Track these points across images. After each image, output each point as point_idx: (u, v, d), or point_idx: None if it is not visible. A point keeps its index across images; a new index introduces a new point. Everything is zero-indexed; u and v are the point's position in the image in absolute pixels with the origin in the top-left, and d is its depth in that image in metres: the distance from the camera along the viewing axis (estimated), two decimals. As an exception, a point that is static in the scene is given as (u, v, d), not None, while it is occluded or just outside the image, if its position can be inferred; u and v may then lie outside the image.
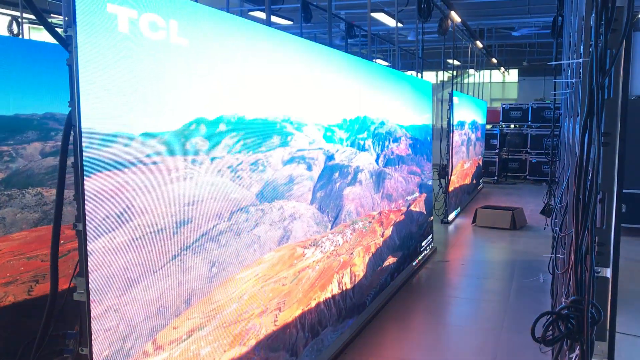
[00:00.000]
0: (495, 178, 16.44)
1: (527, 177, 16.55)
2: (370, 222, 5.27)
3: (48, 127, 4.11)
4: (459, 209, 11.18)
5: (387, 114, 5.80)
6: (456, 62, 16.10)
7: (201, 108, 2.58)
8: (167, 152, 2.32)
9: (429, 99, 7.81)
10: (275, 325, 3.41)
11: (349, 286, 4.68)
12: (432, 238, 8.04)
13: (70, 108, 1.93)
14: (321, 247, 4.09)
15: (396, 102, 6.27)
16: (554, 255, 4.61)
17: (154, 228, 2.23)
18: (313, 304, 3.98)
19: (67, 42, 1.90)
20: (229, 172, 2.84)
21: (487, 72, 20.98)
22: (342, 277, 4.53)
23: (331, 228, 4.29)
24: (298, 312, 3.73)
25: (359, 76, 5.03)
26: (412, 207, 6.79)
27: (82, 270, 1.95)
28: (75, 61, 1.90)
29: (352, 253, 4.76)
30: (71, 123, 1.94)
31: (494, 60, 17.61)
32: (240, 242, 2.95)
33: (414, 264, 6.99)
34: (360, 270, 4.96)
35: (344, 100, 4.61)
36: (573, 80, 3.92)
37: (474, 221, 10.01)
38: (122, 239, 2.08)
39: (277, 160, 3.40)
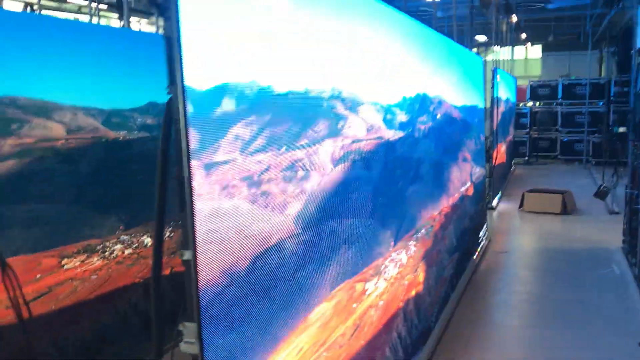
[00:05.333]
0: (526, 158, 14.67)
1: (559, 156, 14.68)
2: (432, 226, 3.82)
3: (6, 118, 2.74)
4: (500, 193, 9.61)
5: (443, 93, 4.28)
6: (483, 39, 14.32)
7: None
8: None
9: (480, 77, 6.23)
10: (328, 411, 2.02)
11: (414, 314, 3.26)
12: (487, 226, 6.56)
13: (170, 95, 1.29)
14: (384, 273, 2.67)
15: (452, 78, 4.73)
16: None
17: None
18: (378, 354, 2.58)
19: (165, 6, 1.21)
20: (245, 189, 1.43)
21: (509, 48, 18.99)
22: (408, 305, 3.11)
23: (395, 244, 2.86)
24: (358, 376, 2.33)
25: (419, 45, 3.53)
26: (465, 199, 5.30)
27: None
28: (177, 30, 1.19)
29: (416, 270, 3.33)
30: (172, 116, 1.27)
31: (524, 36, 15.69)
32: (265, 309, 1.55)
33: (474, 258, 5.54)
34: (423, 289, 3.53)
35: (402, 72, 3.12)
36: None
37: (520, 206, 8.47)
38: None
39: (326, 159, 1.96)
